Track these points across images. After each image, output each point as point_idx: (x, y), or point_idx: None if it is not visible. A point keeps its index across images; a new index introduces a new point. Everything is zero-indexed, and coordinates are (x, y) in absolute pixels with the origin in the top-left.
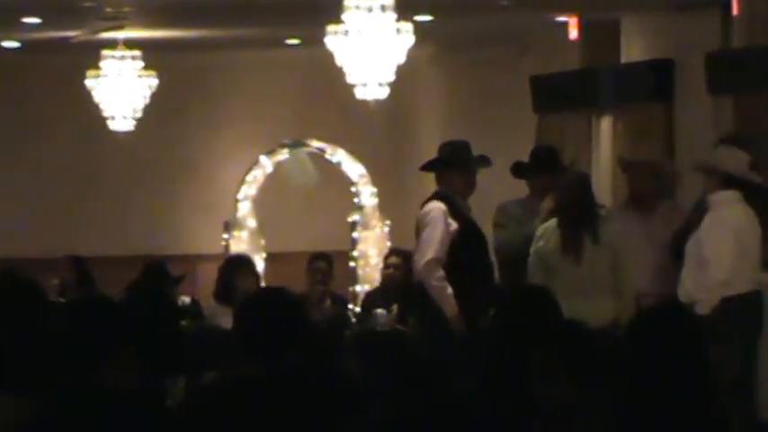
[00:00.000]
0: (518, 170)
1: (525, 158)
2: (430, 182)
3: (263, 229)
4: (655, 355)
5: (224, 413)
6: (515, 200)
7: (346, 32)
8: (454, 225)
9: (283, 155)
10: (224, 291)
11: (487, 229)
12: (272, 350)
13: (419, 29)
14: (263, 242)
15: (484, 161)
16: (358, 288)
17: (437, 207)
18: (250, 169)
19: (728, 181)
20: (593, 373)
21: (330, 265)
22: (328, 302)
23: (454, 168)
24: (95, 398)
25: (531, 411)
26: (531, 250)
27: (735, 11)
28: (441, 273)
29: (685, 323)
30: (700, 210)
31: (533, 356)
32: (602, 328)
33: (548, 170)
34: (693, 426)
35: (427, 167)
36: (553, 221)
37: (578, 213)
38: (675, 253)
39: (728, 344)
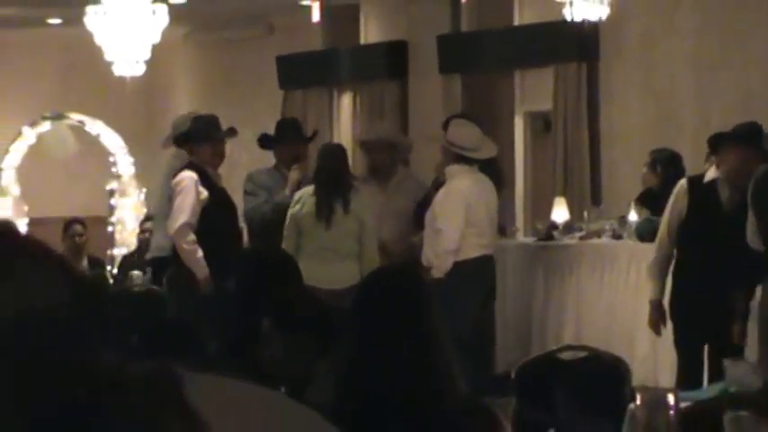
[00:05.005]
0: (265, 142)
1: (271, 131)
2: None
3: (25, 197)
4: (377, 312)
5: None
6: (263, 169)
7: (105, 13)
8: (205, 193)
9: (45, 127)
10: None
11: (237, 197)
12: None
13: (173, 10)
14: (26, 208)
15: (231, 132)
16: (116, 251)
17: (189, 176)
18: (14, 140)
19: (461, 155)
20: (331, 335)
21: (85, 228)
22: (85, 263)
23: (203, 141)
24: None
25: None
26: (289, 213)
27: None
28: (192, 237)
29: (407, 281)
30: (438, 182)
31: (263, 320)
32: (349, 288)
33: (292, 141)
34: (414, 379)
35: (176, 141)
36: (311, 188)
37: (332, 182)
38: (417, 222)
39: (462, 304)
